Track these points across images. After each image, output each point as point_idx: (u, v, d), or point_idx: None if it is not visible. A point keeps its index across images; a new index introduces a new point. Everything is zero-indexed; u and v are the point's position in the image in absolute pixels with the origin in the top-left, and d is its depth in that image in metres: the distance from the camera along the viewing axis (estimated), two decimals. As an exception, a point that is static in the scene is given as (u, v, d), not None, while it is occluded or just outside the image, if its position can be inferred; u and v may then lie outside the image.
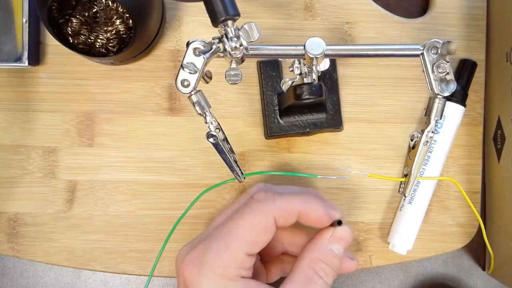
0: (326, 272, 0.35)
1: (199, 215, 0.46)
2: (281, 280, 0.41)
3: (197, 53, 0.34)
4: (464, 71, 0.46)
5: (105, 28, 0.42)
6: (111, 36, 0.42)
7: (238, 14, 0.33)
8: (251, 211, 0.35)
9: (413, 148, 0.40)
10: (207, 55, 0.34)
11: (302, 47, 0.35)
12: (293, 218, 0.36)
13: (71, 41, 0.42)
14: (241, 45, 0.33)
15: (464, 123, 0.47)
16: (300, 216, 0.37)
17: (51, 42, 0.46)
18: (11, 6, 0.44)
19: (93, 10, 0.42)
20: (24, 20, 0.44)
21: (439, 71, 0.36)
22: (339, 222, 0.36)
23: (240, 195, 0.39)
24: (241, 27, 0.34)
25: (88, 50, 0.42)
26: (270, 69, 0.45)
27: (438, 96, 0.36)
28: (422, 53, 0.36)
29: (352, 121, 0.47)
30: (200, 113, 0.36)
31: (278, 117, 0.45)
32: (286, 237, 0.40)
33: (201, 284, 0.33)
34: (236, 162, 0.39)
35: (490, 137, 0.47)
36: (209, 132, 0.36)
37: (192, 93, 0.35)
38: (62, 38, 0.41)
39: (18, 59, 0.44)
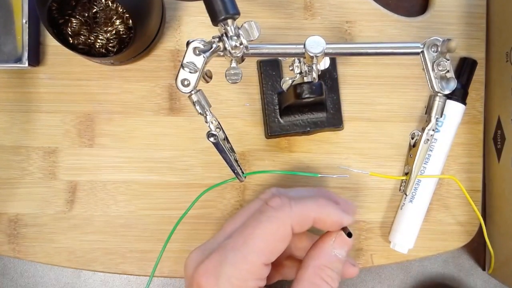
0: (333, 278, 0.35)
1: (200, 215, 0.46)
2: (281, 282, 0.41)
3: (197, 52, 0.34)
4: (464, 69, 0.46)
5: (105, 28, 0.42)
6: (111, 36, 0.42)
7: (238, 13, 0.33)
8: (268, 219, 0.34)
9: (413, 146, 0.40)
10: (207, 54, 0.34)
11: (302, 46, 0.35)
12: (308, 224, 0.36)
13: (71, 41, 0.42)
14: (241, 43, 0.33)
15: (465, 121, 0.47)
16: (315, 222, 0.36)
17: (51, 42, 0.46)
18: (11, 6, 0.44)
19: (93, 10, 0.42)
20: (24, 21, 0.44)
21: (439, 69, 0.36)
22: (349, 234, 0.36)
23: (252, 201, 0.38)
24: (241, 26, 0.34)
25: (88, 51, 0.42)
26: (270, 68, 0.45)
27: (439, 94, 0.36)
28: (422, 51, 0.36)
29: (353, 120, 0.47)
30: (200, 113, 0.36)
31: (279, 117, 0.45)
32: (293, 242, 0.40)
33: None
34: (236, 161, 0.39)
35: (490, 137, 0.47)
36: (209, 131, 0.36)
37: (192, 92, 0.35)
38: (62, 39, 0.41)
39: (18, 59, 0.44)
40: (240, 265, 0.33)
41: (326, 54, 0.36)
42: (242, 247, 0.34)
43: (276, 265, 0.41)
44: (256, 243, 0.34)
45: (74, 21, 0.41)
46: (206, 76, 0.36)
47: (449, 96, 0.44)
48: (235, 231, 0.36)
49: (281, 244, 0.35)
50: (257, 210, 0.36)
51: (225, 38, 0.33)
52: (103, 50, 0.42)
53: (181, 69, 0.34)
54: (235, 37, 0.33)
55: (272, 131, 0.45)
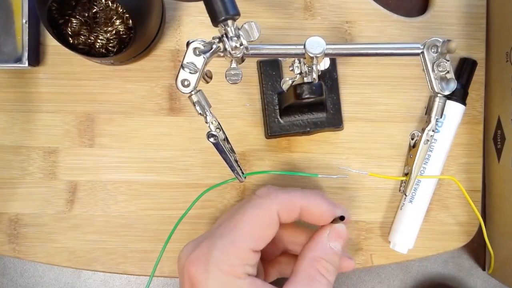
0: (328, 270, 0.35)
1: (200, 215, 0.46)
2: (280, 279, 0.41)
3: (197, 53, 0.34)
4: (464, 69, 0.46)
5: (105, 29, 0.42)
6: (111, 36, 0.42)
7: (238, 14, 0.33)
8: (254, 206, 0.36)
9: (413, 147, 0.40)
10: (207, 54, 0.34)
11: (302, 47, 0.35)
12: (295, 213, 0.37)
13: (71, 41, 0.42)
14: (241, 44, 0.33)
15: (465, 121, 0.47)
16: (302, 212, 0.37)
17: (51, 42, 0.46)
18: (11, 7, 0.44)
19: (93, 11, 0.42)
20: (24, 21, 0.44)
21: (439, 69, 0.36)
22: (342, 218, 0.37)
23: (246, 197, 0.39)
24: (241, 27, 0.34)
25: (88, 51, 0.42)
26: (270, 68, 0.45)
27: (439, 95, 0.36)
28: (422, 52, 0.36)
29: (353, 120, 0.47)
30: (200, 113, 0.36)
31: (279, 117, 0.45)
32: (287, 236, 0.41)
33: (207, 282, 0.33)
34: (236, 161, 0.39)
35: (490, 137, 0.47)
36: (209, 131, 0.36)
37: (193, 93, 0.35)
38: (62, 39, 0.41)
39: (18, 59, 0.44)
40: (227, 250, 0.34)
41: (326, 55, 0.36)
42: (229, 233, 0.35)
43: (272, 262, 0.41)
44: (243, 229, 0.35)
45: (74, 21, 0.41)
46: (206, 77, 0.36)
47: (449, 97, 0.44)
48: (224, 220, 0.36)
49: (268, 231, 0.36)
50: (245, 201, 0.37)
51: (225, 38, 0.33)
52: (103, 50, 0.42)
53: (181, 70, 0.34)
54: (235, 38, 0.33)
55: (272, 131, 0.45)
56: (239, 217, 0.35)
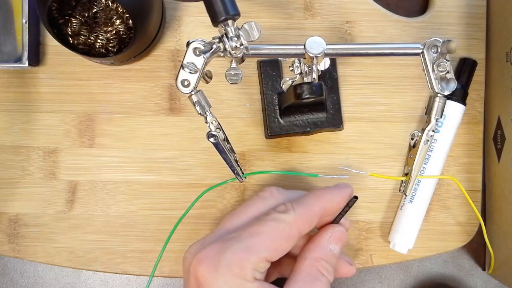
0: (328, 270, 0.36)
1: (200, 215, 0.46)
2: (280, 279, 0.41)
3: (197, 53, 0.34)
4: (464, 69, 0.46)
5: (105, 29, 0.42)
6: (111, 36, 0.42)
7: (238, 14, 0.33)
8: (275, 219, 0.35)
9: (413, 147, 0.40)
10: (207, 55, 0.34)
11: (302, 47, 0.35)
12: (316, 220, 0.37)
13: (71, 41, 0.42)
14: (241, 44, 0.33)
15: (465, 121, 0.47)
16: (324, 214, 0.37)
17: (51, 42, 0.46)
18: (11, 7, 0.44)
19: (93, 11, 0.42)
20: (24, 21, 0.44)
21: (439, 70, 0.36)
22: (356, 197, 0.38)
23: (250, 199, 0.39)
24: (241, 27, 0.34)
25: (88, 51, 0.42)
26: (270, 68, 0.45)
27: (439, 95, 0.36)
28: (422, 52, 0.36)
29: (353, 120, 0.47)
30: (200, 113, 0.36)
31: (279, 117, 0.45)
32: None
33: (216, 282, 0.33)
34: (236, 161, 0.39)
35: (490, 137, 0.47)
36: (209, 132, 0.36)
37: (193, 93, 0.35)
38: (62, 39, 0.41)
39: (18, 59, 0.44)
40: (242, 254, 0.34)
41: (326, 55, 0.36)
42: (246, 239, 0.35)
43: (274, 263, 0.41)
44: (261, 238, 0.35)
45: (74, 21, 0.41)
46: (206, 77, 0.36)
47: (449, 97, 0.44)
48: (239, 227, 0.36)
49: (286, 245, 0.36)
50: (262, 214, 0.37)
51: (225, 39, 0.33)
52: (103, 50, 0.42)
53: (181, 70, 0.34)
54: (235, 38, 0.33)
55: (272, 131, 0.45)
56: (258, 227, 0.35)
